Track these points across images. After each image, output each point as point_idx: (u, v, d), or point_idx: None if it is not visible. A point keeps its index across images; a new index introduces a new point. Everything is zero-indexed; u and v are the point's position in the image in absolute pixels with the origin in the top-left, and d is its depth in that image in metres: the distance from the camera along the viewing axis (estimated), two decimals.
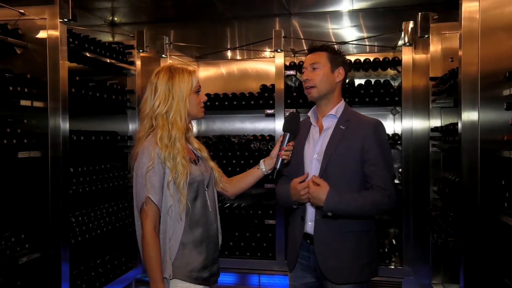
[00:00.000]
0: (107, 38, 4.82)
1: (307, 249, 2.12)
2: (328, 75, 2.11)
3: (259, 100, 4.08)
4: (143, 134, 1.91)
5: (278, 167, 2.06)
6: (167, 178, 1.84)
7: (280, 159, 2.06)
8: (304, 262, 2.14)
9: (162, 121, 1.87)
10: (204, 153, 2.08)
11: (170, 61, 4.17)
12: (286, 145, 2.06)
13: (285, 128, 2.09)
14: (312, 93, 2.13)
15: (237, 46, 4.72)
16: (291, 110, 3.85)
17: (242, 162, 4.02)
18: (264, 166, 2.14)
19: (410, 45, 3.68)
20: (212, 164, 2.09)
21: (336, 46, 2.30)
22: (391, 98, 3.82)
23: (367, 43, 4.44)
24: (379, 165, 2.02)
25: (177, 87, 1.89)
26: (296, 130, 2.14)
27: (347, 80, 2.28)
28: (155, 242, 1.82)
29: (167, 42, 4.09)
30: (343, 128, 2.09)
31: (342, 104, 2.17)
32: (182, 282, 1.86)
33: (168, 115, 1.88)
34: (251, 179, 2.17)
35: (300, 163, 2.15)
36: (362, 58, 4.01)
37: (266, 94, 4.08)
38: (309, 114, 2.24)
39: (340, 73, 2.14)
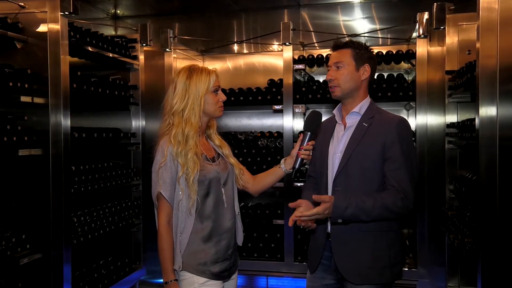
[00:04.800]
0: (109, 31, 4.78)
1: (330, 249, 2.10)
2: (352, 74, 2.09)
3: (266, 96, 4.00)
4: (163, 131, 2.03)
5: (297, 166, 2.08)
6: (178, 174, 1.94)
7: (299, 158, 2.07)
8: (326, 262, 2.13)
9: (178, 119, 1.98)
10: (225, 150, 2.16)
11: (175, 56, 4.12)
12: (306, 144, 2.06)
13: (305, 127, 2.09)
14: (336, 92, 2.12)
15: (244, 39, 4.63)
16: (300, 106, 3.80)
17: (249, 160, 3.95)
18: (284, 165, 2.17)
19: (425, 37, 3.58)
20: (232, 161, 2.16)
21: (362, 41, 2.27)
22: (405, 93, 3.73)
23: (379, 36, 4.34)
24: (397, 164, 1.98)
25: (194, 86, 1.98)
26: (317, 129, 2.12)
27: (375, 76, 2.23)
28: (167, 235, 1.95)
29: (171, 35, 4.01)
30: (366, 125, 2.07)
31: (367, 101, 2.14)
32: (189, 274, 1.95)
33: (184, 112, 1.98)
34: (273, 178, 2.22)
35: (325, 162, 2.14)
36: (374, 51, 3.87)
37: (274, 89, 3.99)
38: (334, 112, 2.22)
39: (366, 70, 2.11)
